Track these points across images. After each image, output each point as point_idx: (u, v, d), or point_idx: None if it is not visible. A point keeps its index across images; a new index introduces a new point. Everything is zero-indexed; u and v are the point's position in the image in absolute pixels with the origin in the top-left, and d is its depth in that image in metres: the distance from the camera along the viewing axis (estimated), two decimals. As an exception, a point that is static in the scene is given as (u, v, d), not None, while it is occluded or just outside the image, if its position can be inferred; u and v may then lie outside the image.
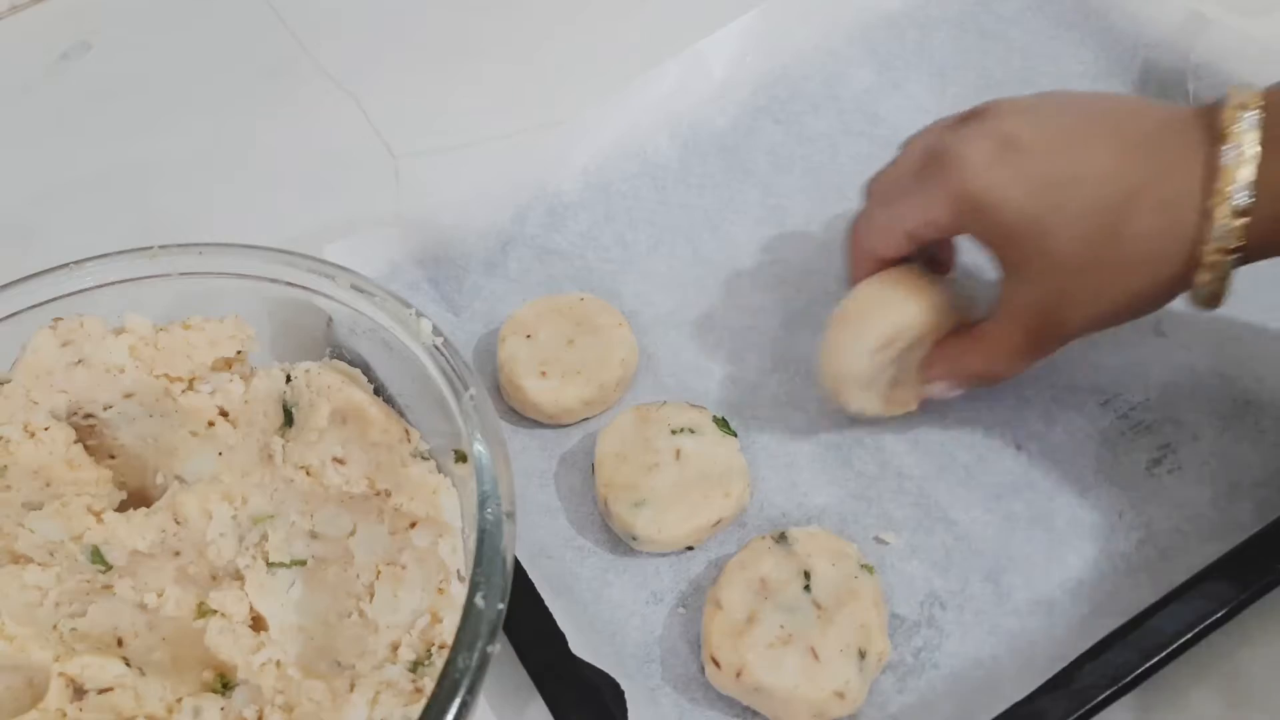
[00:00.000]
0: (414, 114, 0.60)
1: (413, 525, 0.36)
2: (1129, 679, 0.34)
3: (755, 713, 0.37)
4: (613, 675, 0.35)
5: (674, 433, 0.42)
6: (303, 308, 0.40)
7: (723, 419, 0.43)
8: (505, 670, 0.38)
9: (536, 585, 0.38)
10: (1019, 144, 0.36)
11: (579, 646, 0.36)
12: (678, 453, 0.41)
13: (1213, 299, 0.35)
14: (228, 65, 0.65)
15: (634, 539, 0.40)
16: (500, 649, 0.30)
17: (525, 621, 0.37)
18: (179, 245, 0.40)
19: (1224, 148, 0.33)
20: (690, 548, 0.41)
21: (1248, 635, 0.36)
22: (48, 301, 0.39)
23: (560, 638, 0.36)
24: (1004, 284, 0.37)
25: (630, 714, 0.34)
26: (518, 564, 0.35)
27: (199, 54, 0.66)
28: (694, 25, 0.59)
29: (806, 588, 0.37)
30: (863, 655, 0.35)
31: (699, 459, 0.41)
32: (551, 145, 0.51)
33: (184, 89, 0.64)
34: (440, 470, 0.37)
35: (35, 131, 0.63)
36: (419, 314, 0.36)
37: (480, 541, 0.31)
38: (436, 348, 0.36)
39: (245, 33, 0.66)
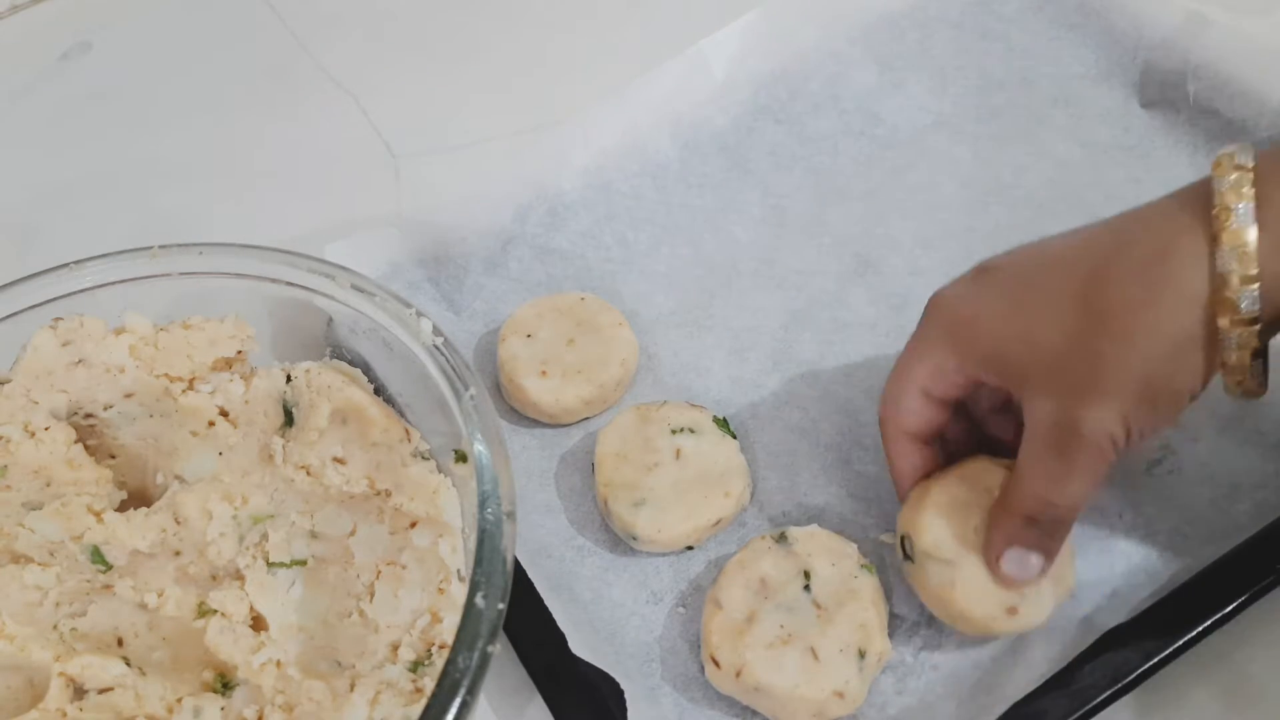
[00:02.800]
0: (414, 114, 0.60)
1: (413, 525, 0.36)
2: (1129, 679, 0.34)
3: (755, 712, 0.37)
4: (612, 675, 0.35)
5: (674, 432, 0.42)
6: (303, 307, 0.40)
7: (723, 419, 0.43)
8: (505, 670, 0.38)
9: (536, 585, 0.38)
10: (992, 266, 0.36)
11: (579, 646, 0.36)
12: (678, 452, 0.41)
13: (1247, 380, 0.32)
14: (228, 65, 0.65)
15: (634, 539, 0.40)
16: (500, 649, 0.30)
17: (525, 621, 0.37)
18: (179, 245, 0.40)
19: (1214, 212, 0.31)
20: (690, 547, 0.41)
21: (1248, 635, 0.36)
22: (48, 301, 0.39)
23: (560, 637, 0.36)
24: (1024, 414, 0.34)
25: (630, 713, 0.35)
26: (517, 563, 0.35)
27: (199, 54, 0.66)
28: (694, 25, 0.60)
29: (806, 587, 0.37)
30: (862, 655, 0.36)
31: (699, 459, 0.41)
32: (552, 145, 0.51)
33: (184, 89, 0.64)
34: (440, 470, 0.37)
35: (35, 131, 0.63)
36: (419, 313, 0.37)
37: (480, 542, 0.32)
38: (437, 347, 0.36)
39: (245, 33, 0.66)
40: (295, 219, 0.55)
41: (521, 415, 0.45)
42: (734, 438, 0.42)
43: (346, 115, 0.61)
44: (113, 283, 0.40)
